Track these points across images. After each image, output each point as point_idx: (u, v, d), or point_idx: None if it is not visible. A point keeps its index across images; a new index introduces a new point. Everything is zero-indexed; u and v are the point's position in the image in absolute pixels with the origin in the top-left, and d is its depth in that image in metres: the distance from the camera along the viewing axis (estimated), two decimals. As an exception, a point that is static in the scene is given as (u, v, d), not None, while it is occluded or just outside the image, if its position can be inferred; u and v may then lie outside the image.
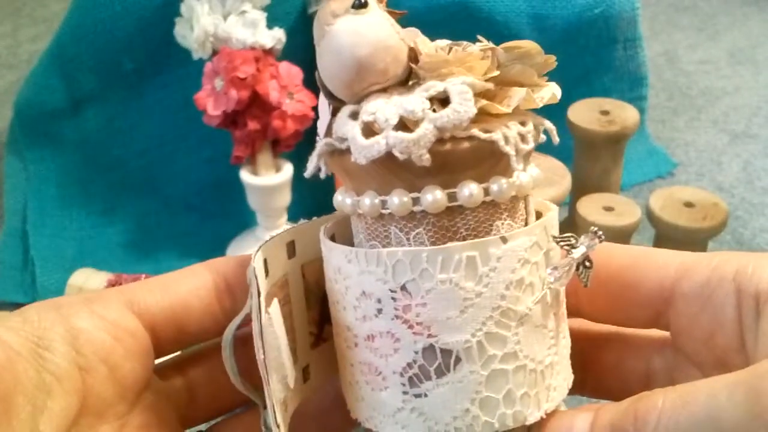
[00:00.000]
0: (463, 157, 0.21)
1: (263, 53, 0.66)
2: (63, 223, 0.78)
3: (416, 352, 0.22)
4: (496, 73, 0.21)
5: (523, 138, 0.22)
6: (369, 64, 0.21)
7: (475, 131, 0.21)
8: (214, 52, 0.67)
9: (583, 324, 0.27)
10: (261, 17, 0.67)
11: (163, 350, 0.26)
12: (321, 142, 0.23)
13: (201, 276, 0.26)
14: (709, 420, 0.18)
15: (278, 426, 0.23)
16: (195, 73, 0.69)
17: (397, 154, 0.20)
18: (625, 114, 0.70)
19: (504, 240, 0.21)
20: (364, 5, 0.21)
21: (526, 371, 0.22)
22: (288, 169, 0.68)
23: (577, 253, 0.23)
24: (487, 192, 0.22)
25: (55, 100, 0.80)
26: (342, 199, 0.23)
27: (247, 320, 0.24)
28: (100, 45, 0.77)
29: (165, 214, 0.79)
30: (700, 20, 1.16)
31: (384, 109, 0.21)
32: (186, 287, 0.25)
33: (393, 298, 0.22)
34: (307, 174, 0.24)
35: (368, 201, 0.22)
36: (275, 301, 0.24)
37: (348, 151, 0.22)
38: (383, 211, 0.22)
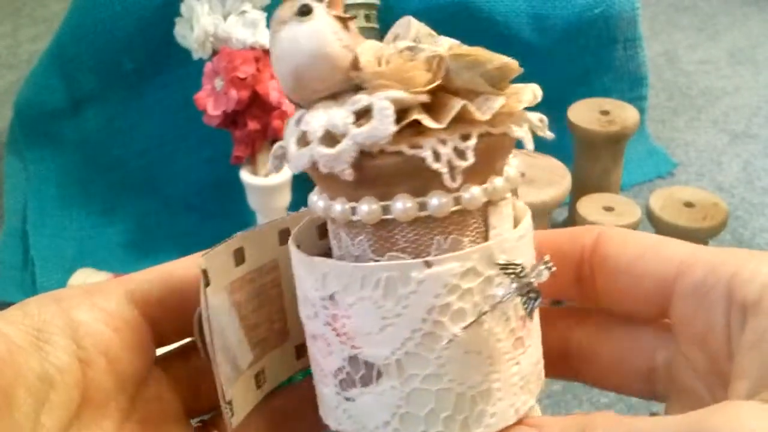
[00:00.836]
0: (392, 172, 0.21)
1: (263, 53, 0.66)
2: (63, 223, 0.78)
3: (344, 359, 0.22)
4: (435, 84, 0.20)
5: (460, 153, 0.20)
6: (306, 73, 0.21)
7: (403, 147, 0.20)
8: (214, 52, 0.67)
9: (590, 310, 0.27)
10: (261, 17, 0.67)
11: (165, 341, 0.26)
12: (276, 145, 0.23)
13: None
14: None
15: (228, 402, 0.24)
16: (195, 73, 0.69)
17: (320, 168, 0.21)
18: (625, 114, 0.70)
19: (428, 264, 0.21)
20: (307, 12, 0.21)
21: (452, 394, 0.22)
22: (288, 169, 0.68)
23: (519, 284, 0.21)
24: (423, 206, 0.21)
25: (55, 100, 0.80)
26: (310, 196, 0.24)
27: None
28: (100, 45, 0.77)
29: (165, 214, 0.79)
30: (700, 20, 1.16)
31: (314, 121, 0.21)
32: (187, 277, 0.25)
33: (324, 306, 0.22)
34: (263, 174, 0.24)
35: (321, 204, 0.22)
36: (223, 293, 0.24)
37: None
38: (331, 215, 0.22)
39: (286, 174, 0.68)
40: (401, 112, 0.20)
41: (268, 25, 0.68)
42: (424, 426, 0.22)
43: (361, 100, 0.20)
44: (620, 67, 0.85)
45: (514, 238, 0.22)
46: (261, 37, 0.66)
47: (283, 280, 0.27)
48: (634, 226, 0.63)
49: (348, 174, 0.20)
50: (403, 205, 0.21)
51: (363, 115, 0.20)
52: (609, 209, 0.64)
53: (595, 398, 0.58)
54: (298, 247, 0.24)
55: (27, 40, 1.17)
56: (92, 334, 0.23)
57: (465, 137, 0.21)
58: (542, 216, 0.65)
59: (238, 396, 0.25)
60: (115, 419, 0.23)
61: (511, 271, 0.22)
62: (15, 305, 0.23)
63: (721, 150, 0.88)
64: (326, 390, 0.23)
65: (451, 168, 0.20)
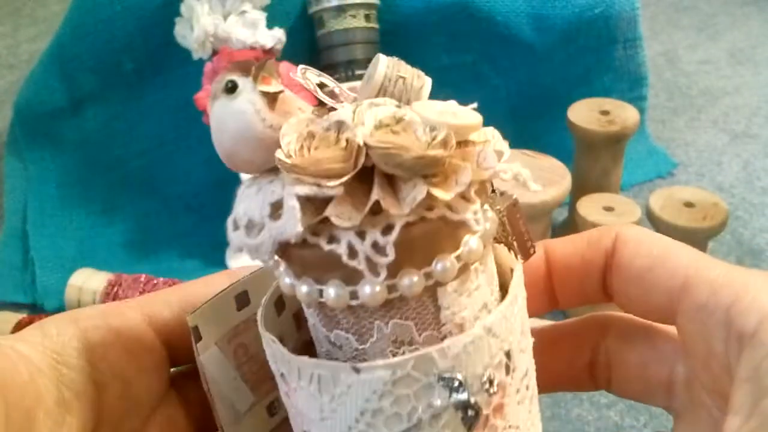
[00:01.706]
0: (317, 263, 0.20)
1: (263, 53, 0.66)
2: (63, 223, 0.78)
3: (302, 431, 0.22)
4: (349, 176, 0.19)
5: (380, 249, 0.19)
6: (233, 155, 0.21)
7: (321, 241, 0.19)
8: (214, 52, 0.67)
9: (615, 319, 0.27)
10: (261, 17, 0.67)
11: (180, 363, 0.26)
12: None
13: (220, 286, 0.26)
14: None
15: None
16: (195, 73, 0.69)
17: (249, 255, 0.20)
18: (625, 114, 0.70)
19: (356, 370, 0.20)
20: (233, 89, 0.20)
21: None
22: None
23: (456, 400, 0.20)
24: (354, 295, 0.20)
25: (55, 100, 0.80)
26: None
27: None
28: (100, 45, 0.77)
29: (165, 214, 0.79)
30: (700, 20, 1.16)
31: (240, 206, 0.21)
32: (204, 298, 0.25)
33: (281, 378, 0.22)
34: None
35: (276, 271, 0.22)
36: (213, 349, 0.25)
37: None
38: (282, 287, 0.22)
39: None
40: (320, 202, 0.19)
41: (268, 25, 0.68)
42: None
43: (275, 191, 0.20)
44: (620, 67, 0.85)
45: (461, 345, 0.20)
46: (261, 37, 0.66)
47: None
48: (634, 226, 0.63)
49: (272, 264, 0.20)
50: (335, 292, 0.20)
51: (279, 206, 0.20)
52: (609, 209, 0.64)
53: (595, 398, 0.58)
54: (281, 299, 0.24)
55: (27, 39, 1.17)
56: (108, 357, 0.23)
57: (387, 230, 0.19)
58: (542, 216, 0.65)
59: (244, 429, 0.26)
60: None
61: (449, 384, 0.20)
62: (33, 325, 0.24)
63: (721, 150, 0.88)
64: None
65: (371, 264, 0.19)
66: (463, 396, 0.20)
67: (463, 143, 0.20)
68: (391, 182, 0.19)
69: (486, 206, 0.21)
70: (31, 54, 1.10)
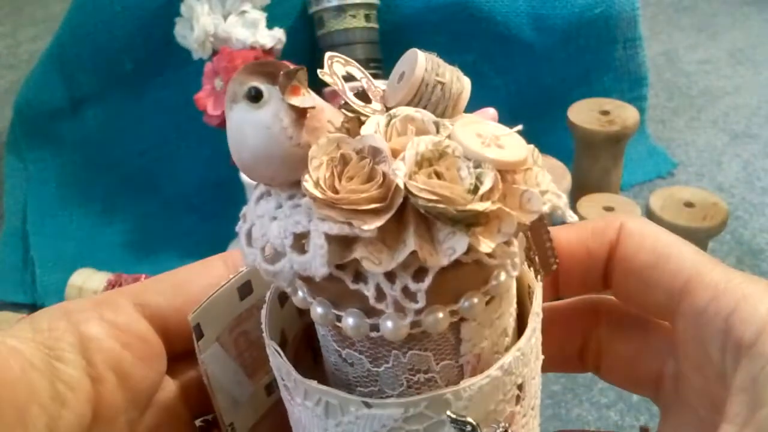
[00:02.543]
0: (336, 294, 0.19)
1: (263, 53, 0.66)
2: (63, 223, 0.79)
3: None
4: (385, 219, 0.17)
5: (410, 295, 0.18)
6: (252, 170, 0.19)
7: (346, 278, 0.18)
8: (214, 52, 0.67)
9: (609, 307, 0.26)
10: (261, 17, 0.67)
11: (178, 349, 0.25)
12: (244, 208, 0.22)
13: (215, 271, 0.26)
14: None
15: (230, 425, 0.25)
16: (195, 73, 0.69)
17: (264, 276, 0.19)
18: (625, 114, 0.70)
19: (367, 405, 0.19)
20: (257, 98, 0.18)
21: None
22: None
23: None
24: (375, 328, 0.19)
25: (55, 100, 0.80)
26: None
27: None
28: (100, 45, 0.77)
29: (165, 214, 0.79)
30: (700, 20, 1.16)
31: (258, 227, 0.19)
32: (198, 286, 0.25)
33: (285, 389, 0.22)
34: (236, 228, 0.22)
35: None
36: (215, 346, 0.24)
37: None
38: (295, 301, 0.21)
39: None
40: (347, 240, 0.18)
41: (268, 25, 0.68)
42: None
43: (300, 223, 0.18)
44: (620, 67, 0.85)
45: (478, 386, 0.19)
46: (261, 36, 0.66)
47: None
48: (634, 226, 0.63)
49: (290, 291, 0.19)
50: (353, 322, 0.19)
51: (303, 237, 0.18)
52: (609, 209, 0.64)
53: (595, 398, 0.58)
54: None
55: (27, 40, 1.17)
56: (102, 350, 0.23)
57: (419, 275, 0.18)
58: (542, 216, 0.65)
59: (240, 417, 0.26)
60: (126, 429, 0.23)
61: (460, 428, 0.20)
62: (24, 319, 0.23)
63: (721, 150, 0.88)
64: None
65: (398, 307, 0.18)
66: None
67: (506, 174, 0.19)
68: (428, 222, 0.18)
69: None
70: (31, 54, 1.10)
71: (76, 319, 0.23)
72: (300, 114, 0.18)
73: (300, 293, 0.20)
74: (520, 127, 0.20)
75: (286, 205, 0.19)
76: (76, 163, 0.81)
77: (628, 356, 0.26)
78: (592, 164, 0.72)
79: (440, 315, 0.19)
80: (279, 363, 0.21)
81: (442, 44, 0.79)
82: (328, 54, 0.21)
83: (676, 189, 0.66)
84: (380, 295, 0.18)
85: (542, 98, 0.82)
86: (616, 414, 0.56)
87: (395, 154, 0.18)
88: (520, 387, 0.21)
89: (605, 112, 0.71)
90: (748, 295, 0.21)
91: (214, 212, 0.78)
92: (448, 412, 0.19)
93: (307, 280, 0.19)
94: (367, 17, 0.73)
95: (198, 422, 0.27)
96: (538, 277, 0.22)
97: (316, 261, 0.18)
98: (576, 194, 0.70)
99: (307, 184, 0.18)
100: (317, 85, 0.23)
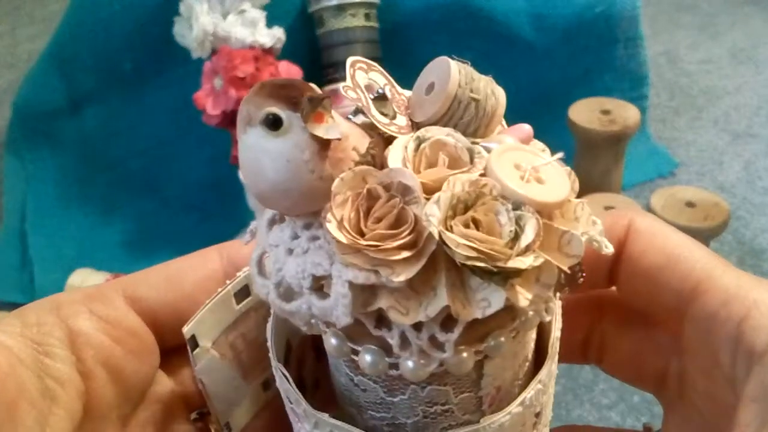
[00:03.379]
0: (357, 331, 0.18)
1: (263, 52, 0.66)
2: (62, 222, 0.78)
3: None
4: (417, 268, 0.16)
5: (438, 345, 0.17)
6: (268, 200, 0.18)
7: (369, 322, 0.17)
8: (214, 52, 0.67)
9: (613, 302, 0.26)
10: (260, 16, 0.67)
11: (169, 342, 0.25)
12: (252, 224, 0.21)
13: (210, 264, 0.25)
14: None
15: (226, 425, 0.25)
16: (194, 72, 0.69)
17: (277, 312, 0.18)
18: (626, 113, 0.70)
19: None
20: (276, 125, 0.16)
21: None
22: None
23: None
24: (395, 366, 0.18)
25: (54, 99, 0.80)
26: None
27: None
28: (99, 44, 0.77)
29: (164, 213, 0.79)
30: (701, 19, 1.16)
31: (273, 257, 0.18)
32: (192, 280, 0.25)
33: (291, 411, 0.21)
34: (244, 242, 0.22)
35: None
36: (211, 354, 0.24)
37: None
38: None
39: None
40: (371, 288, 0.16)
41: (267, 24, 0.67)
42: None
43: (320, 266, 0.17)
44: (621, 66, 0.85)
45: (498, 424, 0.19)
46: (260, 35, 0.66)
47: None
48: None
49: (305, 329, 0.18)
50: (371, 360, 0.18)
51: (323, 279, 0.17)
52: (610, 209, 0.64)
53: (596, 399, 0.57)
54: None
55: (26, 39, 1.17)
56: (92, 345, 0.22)
57: (448, 325, 0.17)
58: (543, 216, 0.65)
59: (237, 413, 0.25)
60: (119, 426, 0.23)
61: None
62: (12, 313, 0.23)
63: (723, 150, 0.88)
64: None
65: (423, 355, 0.17)
66: None
67: (546, 213, 0.17)
68: (459, 271, 0.17)
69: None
70: (30, 53, 1.09)
71: (65, 313, 0.23)
72: (323, 145, 0.17)
73: (313, 321, 0.18)
74: (561, 155, 0.18)
75: (303, 236, 0.18)
76: (75, 163, 0.81)
77: (632, 352, 0.25)
78: (592, 164, 0.72)
79: (465, 355, 0.17)
80: (287, 389, 0.20)
81: (442, 43, 0.78)
82: (351, 59, 0.19)
83: (678, 189, 0.66)
84: (404, 343, 0.17)
85: (543, 98, 0.82)
86: (617, 415, 0.56)
87: (426, 189, 0.17)
88: (537, 416, 0.20)
89: (606, 112, 0.70)
90: (759, 301, 0.21)
91: (214, 212, 0.78)
92: None
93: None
94: (367, 16, 0.73)
95: (194, 414, 0.27)
96: (563, 292, 0.21)
97: (338, 310, 0.16)
98: (577, 194, 0.70)
99: (330, 225, 0.16)
100: (318, 81, 0.22)
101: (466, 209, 0.17)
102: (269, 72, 0.65)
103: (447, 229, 0.16)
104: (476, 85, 0.18)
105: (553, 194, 0.17)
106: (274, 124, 0.16)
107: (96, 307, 0.23)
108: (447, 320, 0.17)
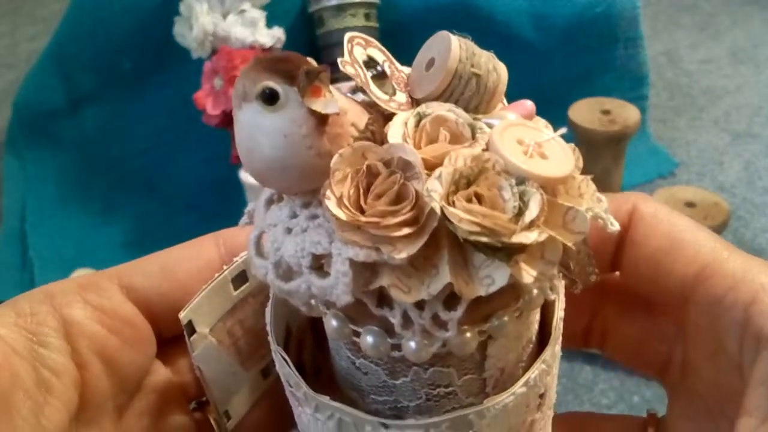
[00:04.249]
0: (359, 311, 0.17)
1: (263, 52, 0.66)
2: (62, 222, 0.78)
3: None
4: (419, 245, 0.16)
5: (440, 324, 0.17)
6: (264, 178, 0.17)
7: (370, 302, 0.17)
8: (214, 52, 0.67)
9: (616, 287, 0.26)
10: (260, 16, 0.67)
11: (166, 332, 0.25)
12: (249, 206, 0.20)
13: (206, 253, 0.25)
14: None
15: (225, 413, 0.24)
16: (194, 72, 0.69)
17: (276, 292, 0.18)
18: (626, 113, 0.70)
19: (385, 426, 0.18)
20: (272, 99, 0.16)
21: None
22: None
23: None
24: (397, 347, 0.18)
25: (54, 99, 0.80)
26: None
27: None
28: (98, 44, 0.77)
29: (164, 213, 0.79)
30: (701, 19, 1.16)
31: (271, 237, 0.18)
32: (188, 268, 0.24)
33: (292, 396, 0.21)
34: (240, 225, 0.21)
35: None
36: (208, 340, 0.24)
37: None
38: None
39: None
40: (372, 266, 0.16)
41: (267, 24, 0.67)
42: None
43: (320, 244, 0.17)
44: (621, 66, 0.85)
45: (503, 404, 0.18)
46: (260, 35, 0.66)
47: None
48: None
49: (304, 311, 0.18)
50: (373, 341, 0.17)
51: (322, 258, 0.17)
52: (610, 209, 0.64)
53: (596, 399, 0.57)
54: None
55: (26, 39, 1.17)
56: (86, 334, 0.22)
57: (451, 303, 0.16)
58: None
59: (236, 401, 0.25)
60: (115, 416, 0.23)
61: None
62: (5, 303, 0.23)
63: (723, 150, 0.87)
64: None
65: (426, 335, 0.17)
66: None
67: (550, 189, 0.17)
68: (462, 248, 0.16)
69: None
70: (29, 53, 1.09)
71: (58, 303, 0.22)
72: (321, 120, 0.16)
73: (313, 301, 0.18)
74: (563, 130, 0.18)
75: (301, 215, 0.17)
76: (75, 163, 0.80)
77: (634, 338, 0.25)
78: (593, 164, 0.72)
79: (468, 335, 0.17)
80: (287, 373, 0.20)
81: (443, 43, 0.78)
82: (348, 34, 0.18)
83: (678, 189, 0.66)
84: (407, 322, 0.16)
85: (543, 97, 0.81)
86: (616, 411, 0.56)
87: (427, 165, 0.16)
88: (541, 396, 0.20)
89: (606, 112, 0.70)
90: (767, 284, 0.20)
91: (214, 212, 0.78)
92: (474, 427, 0.18)
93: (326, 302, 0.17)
94: (366, 16, 0.73)
95: (192, 404, 0.26)
96: (575, 287, 0.20)
97: (339, 289, 0.16)
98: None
99: (330, 202, 0.16)
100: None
101: (469, 184, 0.16)
102: (269, 72, 0.65)
103: (449, 204, 0.16)
104: (477, 60, 0.18)
105: (557, 169, 0.17)
106: (270, 98, 0.16)
107: (90, 296, 0.23)
108: (450, 299, 0.16)
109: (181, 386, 0.25)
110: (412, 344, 0.17)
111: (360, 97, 0.19)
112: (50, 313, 0.22)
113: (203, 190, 0.79)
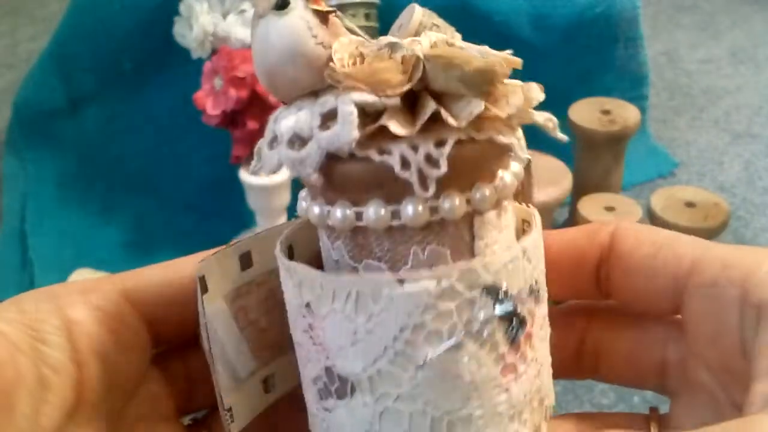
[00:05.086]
0: (362, 178, 0.20)
1: (262, 52, 0.66)
2: (61, 223, 0.78)
3: (321, 369, 0.21)
4: (407, 86, 0.19)
5: (432, 162, 0.19)
6: (278, 74, 0.20)
7: (371, 152, 0.19)
8: (213, 52, 0.67)
9: (601, 307, 0.26)
10: (260, 16, 0.67)
11: (164, 341, 0.25)
12: (258, 144, 0.22)
13: None
14: None
15: (228, 409, 0.24)
16: (194, 72, 0.69)
17: (288, 170, 0.20)
18: (626, 113, 0.70)
19: (401, 282, 0.19)
20: (284, 6, 0.20)
21: (427, 418, 0.20)
22: (287, 169, 0.68)
23: (501, 310, 0.20)
24: (396, 215, 0.20)
25: (54, 99, 0.80)
26: (298, 197, 0.23)
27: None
28: (98, 44, 0.77)
29: (164, 213, 0.79)
30: (701, 19, 1.16)
31: (283, 122, 0.20)
32: (189, 280, 0.25)
33: (302, 314, 0.21)
34: (251, 171, 0.23)
35: (304, 204, 0.22)
36: (219, 301, 0.24)
37: None
38: (310, 217, 0.21)
39: (285, 174, 0.67)
40: (372, 115, 0.19)
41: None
42: None
43: (328, 101, 0.19)
44: (621, 66, 0.85)
45: (503, 262, 0.20)
46: (260, 36, 0.66)
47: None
48: (635, 226, 0.62)
49: (315, 179, 0.19)
50: (375, 213, 0.20)
51: (330, 117, 0.19)
52: (610, 209, 0.64)
53: (596, 399, 0.57)
54: (291, 249, 0.23)
55: (26, 39, 1.17)
56: (87, 334, 0.23)
57: (439, 143, 0.19)
58: (543, 216, 0.65)
59: (240, 402, 0.25)
60: (109, 418, 0.23)
61: (494, 295, 0.20)
62: (9, 300, 0.23)
63: (723, 150, 0.87)
64: (309, 397, 0.23)
65: (422, 177, 0.19)
66: (508, 306, 0.20)
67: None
68: (441, 102, 0.19)
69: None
70: (29, 53, 1.09)
71: (61, 302, 0.23)
72: (323, 18, 0.20)
73: (317, 209, 0.21)
74: (509, 52, 0.21)
75: (305, 102, 0.20)
76: (75, 163, 0.81)
77: (628, 350, 0.25)
78: (592, 164, 0.72)
79: (456, 201, 0.20)
80: (301, 275, 0.21)
81: (443, 43, 0.78)
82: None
83: (678, 189, 0.66)
84: (405, 163, 0.19)
85: (543, 98, 0.82)
86: (618, 409, 0.56)
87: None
88: (537, 283, 0.22)
89: (606, 112, 0.70)
90: (761, 261, 0.21)
91: (214, 212, 0.78)
92: (482, 279, 0.20)
93: (329, 174, 0.20)
94: (367, 16, 0.73)
95: (187, 420, 0.27)
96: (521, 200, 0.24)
97: (346, 129, 0.19)
98: (577, 194, 0.70)
99: (333, 66, 0.19)
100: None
101: (445, 46, 0.20)
102: (269, 72, 0.65)
103: (430, 54, 0.19)
104: (436, 18, 0.22)
105: (508, 56, 0.21)
106: (282, 6, 0.20)
107: (92, 298, 0.23)
108: (438, 143, 0.19)
109: (174, 396, 0.26)
110: (410, 208, 0.19)
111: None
112: (52, 312, 0.23)
113: (203, 190, 0.79)
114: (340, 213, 0.20)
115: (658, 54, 1.06)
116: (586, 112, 0.70)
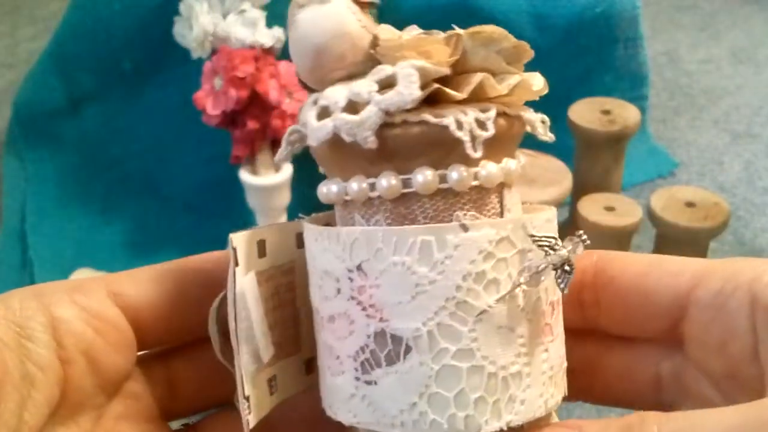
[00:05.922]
0: (414, 142, 0.21)
1: (262, 52, 0.66)
2: (61, 223, 0.78)
3: (368, 336, 0.21)
4: (454, 58, 0.21)
5: (480, 124, 0.21)
6: (325, 51, 0.21)
7: (426, 115, 0.20)
8: (213, 52, 0.67)
9: (593, 330, 0.26)
10: (260, 16, 0.67)
11: (148, 343, 0.25)
12: (290, 129, 0.23)
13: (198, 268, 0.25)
14: None
15: (247, 398, 0.23)
16: (194, 72, 0.69)
17: (343, 136, 0.21)
18: (626, 113, 0.70)
19: (464, 228, 0.21)
20: None
21: (484, 374, 0.21)
22: (287, 169, 0.68)
23: (555, 256, 0.21)
24: (443, 179, 0.21)
25: (54, 99, 0.80)
26: (319, 187, 0.23)
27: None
28: (98, 44, 0.77)
29: (164, 213, 0.79)
30: (701, 19, 1.16)
31: (335, 92, 0.21)
32: (178, 281, 0.25)
33: (350, 278, 0.22)
34: (277, 159, 0.24)
35: (335, 188, 0.22)
36: (251, 275, 0.23)
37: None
38: (346, 198, 0.22)
39: (285, 174, 0.67)
40: (422, 84, 0.20)
41: (267, 24, 0.67)
42: (453, 408, 0.21)
43: (385, 69, 0.21)
44: (621, 66, 0.85)
45: (543, 219, 0.22)
46: (260, 36, 0.66)
47: (297, 286, 0.26)
48: (635, 227, 0.62)
49: (371, 142, 0.20)
50: (423, 177, 0.21)
51: (386, 84, 0.20)
52: (610, 209, 0.64)
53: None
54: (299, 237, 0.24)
55: (26, 39, 1.17)
56: (73, 332, 0.23)
57: (484, 110, 0.21)
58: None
59: (255, 396, 0.24)
60: (93, 416, 0.23)
61: (545, 243, 0.21)
62: None
63: (723, 150, 0.87)
64: (340, 379, 0.22)
65: (473, 137, 0.21)
66: (560, 252, 0.21)
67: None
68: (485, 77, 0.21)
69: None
70: (29, 53, 1.09)
71: (48, 300, 0.23)
72: (362, 6, 0.22)
73: (354, 185, 0.21)
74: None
75: (359, 80, 0.21)
76: (75, 163, 0.81)
77: (622, 366, 0.26)
78: (592, 164, 0.72)
79: (494, 169, 0.21)
80: (354, 233, 0.22)
81: (443, 43, 0.78)
82: None
83: (678, 189, 0.66)
84: (459, 124, 0.20)
85: (542, 97, 0.81)
86: (617, 415, 0.56)
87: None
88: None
89: (606, 112, 0.70)
90: (762, 266, 0.22)
91: (214, 212, 0.78)
92: (532, 231, 0.21)
93: (381, 140, 0.21)
94: (367, 16, 0.73)
95: (179, 425, 0.27)
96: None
97: (409, 87, 0.20)
98: (577, 194, 0.70)
99: (383, 35, 0.21)
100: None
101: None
102: (269, 72, 0.65)
103: (470, 31, 0.21)
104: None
105: None
106: None
107: (78, 297, 0.24)
108: (484, 109, 0.21)
109: (157, 399, 0.26)
110: (454, 174, 0.21)
111: None
112: (39, 309, 0.23)
113: (203, 190, 0.79)
114: (385, 182, 0.21)
115: (658, 54, 1.06)
116: (586, 112, 0.70)
